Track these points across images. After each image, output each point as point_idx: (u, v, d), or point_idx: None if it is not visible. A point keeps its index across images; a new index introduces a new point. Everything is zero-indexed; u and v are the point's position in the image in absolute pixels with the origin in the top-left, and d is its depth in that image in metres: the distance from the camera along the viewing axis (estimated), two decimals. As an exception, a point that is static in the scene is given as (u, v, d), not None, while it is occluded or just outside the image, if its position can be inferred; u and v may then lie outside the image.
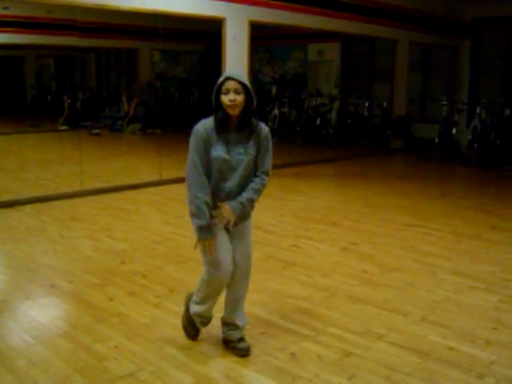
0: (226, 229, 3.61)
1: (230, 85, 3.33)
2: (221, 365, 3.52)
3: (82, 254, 5.66)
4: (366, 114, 14.72)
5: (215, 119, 3.43)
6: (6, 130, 14.99)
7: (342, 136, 14.43)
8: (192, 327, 3.82)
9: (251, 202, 3.56)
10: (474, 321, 4.24)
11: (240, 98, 3.34)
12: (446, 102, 13.28)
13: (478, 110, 12.62)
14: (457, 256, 5.83)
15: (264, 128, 3.56)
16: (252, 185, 3.53)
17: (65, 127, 15.43)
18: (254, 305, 4.41)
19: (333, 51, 16.06)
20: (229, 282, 3.66)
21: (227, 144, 3.43)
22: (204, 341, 3.81)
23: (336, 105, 15.08)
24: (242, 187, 3.54)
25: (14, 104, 16.89)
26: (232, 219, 3.50)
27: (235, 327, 3.69)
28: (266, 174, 3.58)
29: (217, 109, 3.41)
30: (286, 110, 15.32)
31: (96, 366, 3.46)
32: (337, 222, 7.12)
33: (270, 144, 3.60)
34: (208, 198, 3.40)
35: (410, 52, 13.99)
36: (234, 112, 3.37)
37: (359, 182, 9.98)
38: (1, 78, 16.51)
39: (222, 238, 3.57)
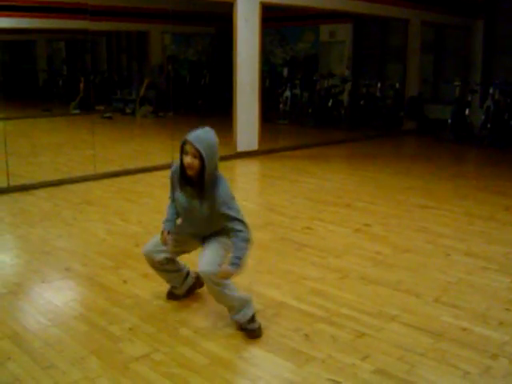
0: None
1: (188, 148, 3.48)
2: (235, 346, 3.54)
3: (96, 237, 5.70)
4: (378, 95, 14.61)
5: (180, 170, 3.62)
6: (18, 115, 15.01)
7: (354, 117, 14.37)
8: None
9: (241, 259, 3.51)
10: (486, 302, 4.24)
11: (195, 162, 3.46)
12: (459, 83, 13.16)
13: (491, 91, 12.52)
14: (470, 237, 5.82)
15: (219, 196, 3.55)
16: (235, 246, 3.53)
17: (77, 111, 15.45)
18: (267, 286, 4.44)
19: (344, 32, 15.96)
20: (152, 263, 3.98)
21: (186, 195, 3.67)
22: (218, 322, 3.83)
23: (348, 86, 15.01)
24: (208, 229, 3.77)
25: (26, 88, 16.90)
26: (231, 274, 3.55)
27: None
28: (240, 230, 3.53)
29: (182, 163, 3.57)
30: (297, 91, 15.27)
31: (111, 348, 3.49)
32: (349, 203, 7.11)
33: (227, 209, 3.54)
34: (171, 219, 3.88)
35: (422, 32, 13.87)
36: (191, 173, 3.52)
37: (372, 164, 9.96)
38: (12, 63, 16.51)
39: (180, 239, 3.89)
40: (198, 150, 3.43)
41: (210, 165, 3.47)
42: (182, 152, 3.53)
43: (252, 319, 3.69)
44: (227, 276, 3.53)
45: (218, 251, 3.68)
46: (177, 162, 3.67)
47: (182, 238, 3.89)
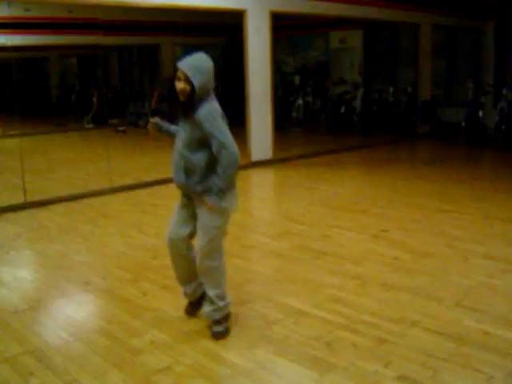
0: (190, 200, 3.79)
1: (179, 73, 3.51)
2: (257, 356, 3.53)
3: (114, 250, 5.72)
4: (390, 99, 14.58)
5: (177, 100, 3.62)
6: (33, 131, 15.12)
7: (367, 123, 14.33)
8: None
9: (220, 188, 3.53)
10: (508, 304, 4.20)
11: (187, 88, 3.49)
12: (471, 85, 13.11)
13: (504, 92, 12.48)
14: (489, 240, 5.78)
15: (200, 115, 3.53)
16: (218, 173, 3.55)
17: (90, 125, 15.53)
18: (286, 295, 4.43)
19: (355, 38, 15.94)
20: (177, 255, 3.91)
21: (182, 127, 3.70)
22: (240, 333, 3.83)
23: (360, 92, 14.95)
24: (181, 164, 3.70)
25: (40, 105, 17.03)
26: (214, 207, 3.60)
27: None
28: (221, 147, 3.50)
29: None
30: (309, 99, 15.27)
31: (133, 361, 3.50)
32: (366, 209, 7.09)
33: (208, 125, 3.51)
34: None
35: (433, 35, 13.85)
36: (183, 99, 3.55)
37: (387, 169, 9.93)
38: (26, 80, 16.65)
39: (179, 210, 3.88)
40: (185, 74, 3.45)
41: (199, 88, 3.48)
42: (175, 79, 3.54)
43: (219, 322, 3.79)
44: (213, 210, 3.58)
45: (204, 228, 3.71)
46: None
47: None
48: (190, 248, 3.89)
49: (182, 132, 3.68)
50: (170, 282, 4.75)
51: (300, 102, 15.13)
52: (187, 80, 3.46)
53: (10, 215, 7.23)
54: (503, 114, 12.25)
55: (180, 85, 3.49)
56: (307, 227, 6.36)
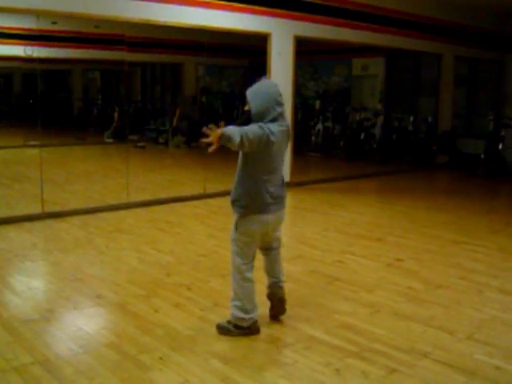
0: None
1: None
2: (265, 379, 3.52)
3: (128, 266, 5.73)
4: (410, 128, 14.56)
5: None
6: (54, 142, 15.24)
7: (386, 151, 14.32)
8: None
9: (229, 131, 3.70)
10: (522, 340, 4.17)
11: (246, 109, 3.97)
12: (492, 117, 13.10)
13: (524, 125, 12.44)
14: (504, 274, 5.74)
15: None
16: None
17: (110, 140, 15.64)
18: (298, 320, 4.41)
19: (377, 66, 15.98)
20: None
21: None
22: (249, 355, 3.82)
23: (380, 119, 14.99)
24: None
25: (61, 117, 17.18)
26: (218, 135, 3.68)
27: None
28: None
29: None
30: (329, 124, 15.29)
31: (141, 377, 3.49)
32: (381, 237, 7.07)
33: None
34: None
35: (455, 66, 13.86)
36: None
37: (404, 198, 9.90)
38: (48, 92, 16.82)
39: None
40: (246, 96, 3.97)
41: (254, 110, 3.90)
42: None
43: (229, 322, 4.10)
44: (215, 136, 3.65)
45: None
46: None
47: None
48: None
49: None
50: (182, 300, 4.76)
51: (320, 126, 15.17)
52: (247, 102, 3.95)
53: (27, 224, 7.29)
54: (523, 147, 12.22)
55: (246, 106, 3.97)
56: (321, 252, 6.35)
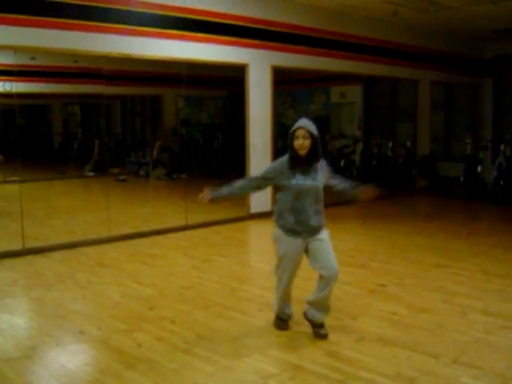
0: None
1: (299, 132, 4.42)
2: (251, 410, 3.49)
3: (110, 300, 5.69)
4: (389, 154, 14.68)
5: (291, 155, 4.49)
6: (34, 177, 15.17)
7: (366, 177, 14.38)
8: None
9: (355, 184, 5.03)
10: (506, 362, 4.17)
11: (306, 143, 4.40)
12: (469, 140, 13.25)
13: (502, 147, 12.60)
14: (487, 295, 5.76)
15: (322, 161, 4.65)
16: (344, 182, 5.03)
17: (91, 174, 15.60)
18: (282, 349, 4.39)
19: (355, 93, 16.15)
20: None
21: (300, 174, 4.48)
22: (233, 386, 3.79)
23: (359, 146, 15.09)
24: (316, 207, 4.69)
25: (42, 151, 17.12)
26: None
27: None
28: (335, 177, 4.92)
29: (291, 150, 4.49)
30: (309, 152, 15.33)
31: (126, 413, 3.45)
32: (364, 263, 7.08)
33: (329, 171, 4.78)
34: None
35: (432, 91, 14.04)
36: (303, 152, 4.43)
37: (385, 223, 9.95)
38: (28, 126, 16.78)
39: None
40: (309, 131, 4.40)
41: (319, 142, 4.44)
42: (293, 139, 4.43)
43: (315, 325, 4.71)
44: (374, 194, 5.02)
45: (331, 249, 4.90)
46: (280, 159, 4.64)
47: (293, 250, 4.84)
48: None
49: (300, 179, 4.51)
50: (165, 334, 4.72)
51: (299, 154, 15.21)
52: (308, 137, 4.39)
53: (8, 261, 7.22)
54: (501, 169, 12.33)
55: (300, 141, 4.39)
56: (303, 280, 6.31)
